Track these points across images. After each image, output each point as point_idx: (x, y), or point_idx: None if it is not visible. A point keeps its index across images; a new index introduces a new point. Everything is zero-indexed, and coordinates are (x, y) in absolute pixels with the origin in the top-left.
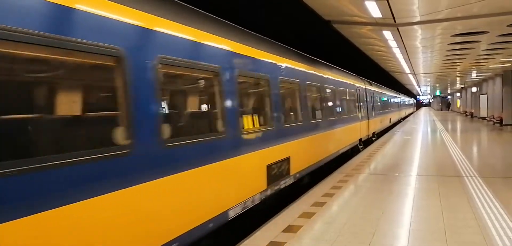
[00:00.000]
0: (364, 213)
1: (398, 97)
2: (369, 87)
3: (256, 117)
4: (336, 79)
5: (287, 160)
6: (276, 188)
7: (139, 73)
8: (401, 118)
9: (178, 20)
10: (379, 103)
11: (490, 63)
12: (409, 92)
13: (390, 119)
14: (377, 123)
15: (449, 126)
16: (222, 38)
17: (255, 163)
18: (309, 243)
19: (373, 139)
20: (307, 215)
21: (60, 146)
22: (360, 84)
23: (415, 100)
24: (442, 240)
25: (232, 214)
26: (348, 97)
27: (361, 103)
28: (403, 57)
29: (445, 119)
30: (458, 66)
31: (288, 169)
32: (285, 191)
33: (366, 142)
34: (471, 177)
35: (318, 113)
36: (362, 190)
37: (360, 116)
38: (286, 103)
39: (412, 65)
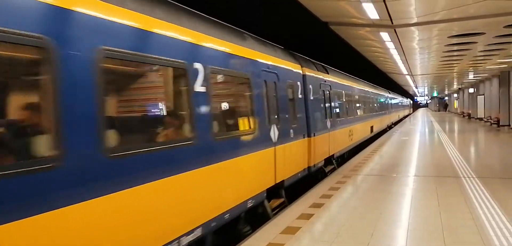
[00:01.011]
0: (363, 213)
1: (389, 97)
2: (314, 74)
3: None
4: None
5: None
6: None
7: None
8: (392, 124)
9: None
10: (346, 105)
11: (487, 64)
12: (406, 93)
13: (371, 127)
14: (341, 138)
15: (447, 127)
16: None
17: None
18: (308, 244)
19: (329, 169)
20: (306, 216)
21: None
22: (286, 65)
23: (412, 101)
24: (440, 240)
25: None
26: (221, 92)
27: (286, 106)
28: (400, 59)
29: (443, 120)
30: (455, 67)
31: None
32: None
33: (301, 184)
34: (468, 177)
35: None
36: (360, 190)
37: (274, 134)
38: None
39: (409, 67)
